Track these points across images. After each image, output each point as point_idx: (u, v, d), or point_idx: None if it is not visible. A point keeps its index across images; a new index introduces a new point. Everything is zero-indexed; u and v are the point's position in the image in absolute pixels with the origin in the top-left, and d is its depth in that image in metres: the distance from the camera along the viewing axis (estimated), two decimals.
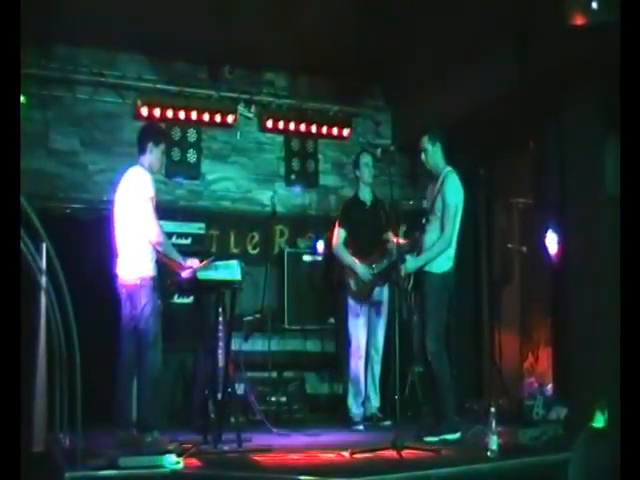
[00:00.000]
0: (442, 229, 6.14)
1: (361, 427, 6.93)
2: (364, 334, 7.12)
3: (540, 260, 7.43)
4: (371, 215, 7.25)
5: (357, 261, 7.14)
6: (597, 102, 6.44)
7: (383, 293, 7.21)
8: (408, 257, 6.19)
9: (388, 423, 6.73)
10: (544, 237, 7.21)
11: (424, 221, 6.33)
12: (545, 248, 7.21)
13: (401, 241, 6.63)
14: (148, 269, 5.78)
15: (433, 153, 6.31)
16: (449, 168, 6.30)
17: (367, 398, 7.12)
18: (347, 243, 7.28)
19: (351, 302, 7.17)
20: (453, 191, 6.19)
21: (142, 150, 5.96)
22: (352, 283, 7.14)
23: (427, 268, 6.15)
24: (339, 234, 7.31)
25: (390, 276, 6.90)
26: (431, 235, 6.20)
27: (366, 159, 7.32)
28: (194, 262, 5.82)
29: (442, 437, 5.92)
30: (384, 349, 7.16)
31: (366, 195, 7.39)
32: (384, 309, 7.19)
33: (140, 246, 5.78)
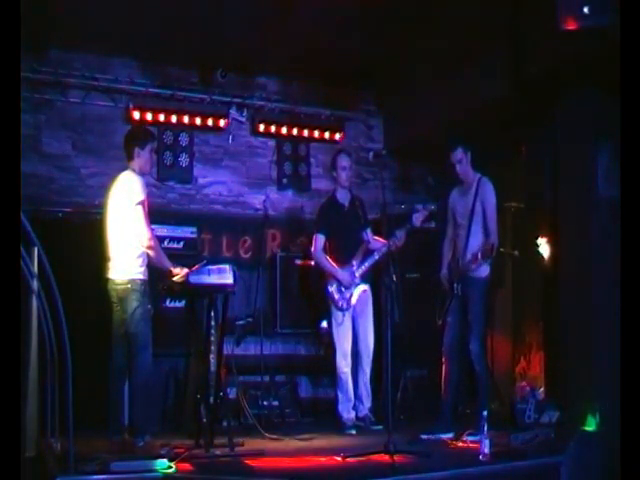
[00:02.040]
0: (487, 233, 6.31)
1: (353, 432, 6.91)
2: (349, 340, 7.07)
3: (532, 264, 7.44)
4: (350, 217, 7.20)
5: (338, 267, 7.10)
6: (589, 105, 6.46)
7: (368, 296, 7.18)
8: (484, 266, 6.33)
9: (379, 427, 6.70)
10: (536, 241, 7.23)
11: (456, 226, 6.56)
12: (537, 252, 7.24)
13: (380, 240, 6.72)
14: (139, 273, 5.79)
15: (466, 162, 6.45)
16: (479, 175, 6.44)
17: (359, 399, 7.09)
18: (326, 248, 7.20)
19: (334, 310, 7.10)
20: (491, 196, 6.42)
21: (129, 155, 5.99)
22: (334, 290, 7.09)
23: (472, 274, 6.29)
24: (317, 240, 7.20)
25: (383, 278, 6.91)
26: (473, 239, 6.36)
27: (344, 162, 7.19)
28: (182, 269, 5.82)
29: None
30: (375, 352, 7.14)
31: (343, 196, 7.30)
32: (370, 310, 7.15)
33: (131, 250, 5.78)
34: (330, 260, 7.13)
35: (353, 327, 7.10)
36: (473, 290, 6.32)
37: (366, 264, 7.07)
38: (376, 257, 7.04)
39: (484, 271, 6.37)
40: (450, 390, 6.39)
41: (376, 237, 7.20)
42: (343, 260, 7.11)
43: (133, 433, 5.66)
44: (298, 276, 8.27)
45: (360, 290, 7.08)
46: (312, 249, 7.28)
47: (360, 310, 7.11)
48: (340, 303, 7.05)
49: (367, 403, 7.11)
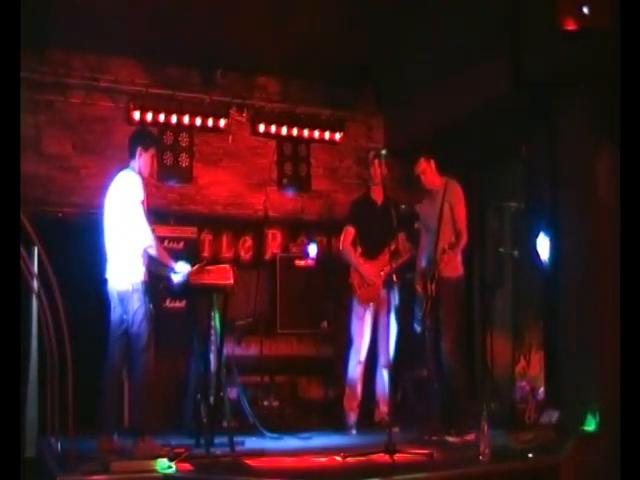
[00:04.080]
0: (457, 234, 6.33)
1: (353, 431, 6.92)
2: (366, 338, 7.02)
3: (532, 264, 7.44)
4: (381, 215, 7.06)
5: (363, 262, 7.10)
6: (590, 107, 6.45)
7: (394, 296, 7.06)
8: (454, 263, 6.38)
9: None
10: (536, 241, 7.23)
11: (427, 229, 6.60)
12: (537, 252, 7.23)
13: (410, 245, 6.74)
14: (139, 273, 5.74)
15: (430, 171, 6.49)
16: (446, 178, 6.47)
17: (376, 404, 7.05)
18: (355, 243, 7.19)
19: (355, 304, 7.10)
20: (458, 196, 6.48)
21: (132, 154, 5.95)
22: (357, 284, 7.08)
23: (443, 274, 6.31)
24: (347, 233, 7.21)
25: (401, 279, 6.91)
26: (443, 241, 6.38)
27: (376, 160, 7.16)
28: (185, 266, 5.81)
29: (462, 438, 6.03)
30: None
31: (377, 194, 7.27)
32: (393, 313, 6.96)
33: (131, 250, 5.74)
34: (356, 254, 7.15)
35: (374, 326, 7.07)
36: (445, 289, 6.33)
37: (393, 264, 7.00)
38: (404, 258, 7.01)
39: (456, 270, 6.38)
40: (458, 392, 6.36)
41: (405, 241, 7.15)
42: (370, 256, 7.10)
43: (133, 433, 5.65)
44: (299, 276, 8.27)
45: (384, 289, 7.03)
46: (340, 242, 7.28)
47: (383, 309, 7.01)
48: (361, 297, 7.04)
49: (384, 407, 6.93)
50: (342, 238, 7.25)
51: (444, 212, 6.39)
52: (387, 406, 6.89)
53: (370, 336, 7.07)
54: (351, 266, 7.17)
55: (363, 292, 7.06)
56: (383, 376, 7.01)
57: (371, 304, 7.04)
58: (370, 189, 7.35)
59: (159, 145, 6.95)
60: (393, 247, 7.03)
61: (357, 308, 7.09)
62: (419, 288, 6.51)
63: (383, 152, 7.04)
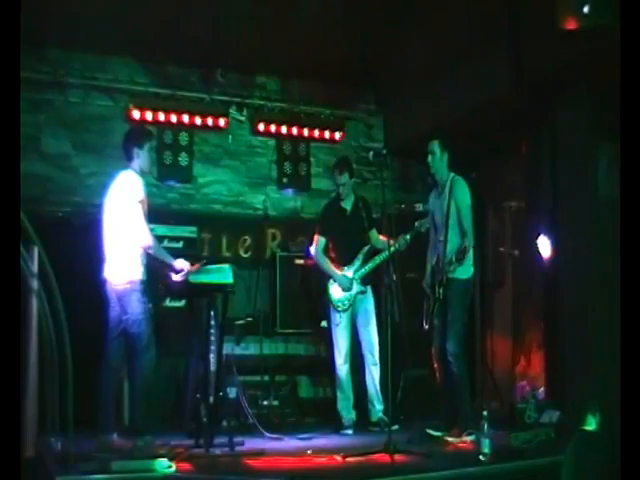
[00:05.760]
0: (462, 233, 6.28)
1: (349, 432, 6.91)
2: (346, 341, 7.03)
3: (532, 263, 7.45)
4: (352, 220, 7.13)
5: (336, 270, 7.08)
6: (590, 105, 6.46)
7: (368, 298, 7.12)
8: (458, 268, 6.28)
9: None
10: (536, 240, 7.23)
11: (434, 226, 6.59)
12: (537, 251, 7.23)
13: (384, 239, 6.69)
14: (138, 273, 5.75)
15: (440, 159, 6.45)
16: (453, 174, 6.41)
17: (371, 403, 7.05)
18: (327, 250, 7.18)
19: (332, 310, 7.09)
20: (464, 194, 6.37)
21: (129, 156, 5.95)
22: (332, 291, 7.08)
23: (452, 274, 6.26)
24: (318, 241, 7.18)
25: (378, 280, 6.90)
26: (452, 242, 6.32)
27: (343, 179, 7.13)
28: (185, 263, 5.80)
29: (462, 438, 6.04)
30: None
31: (346, 200, 7.22)
32: (372, 313, 7.08)
33: (129, 250, 5.75)
34: (329, 262, 7.13)
35: (356, 329, 7.08)
36: (453, 291, 6.29)
37: (367, 267, 7.05)
38: (377, 261, 7.01)
39: (466, 272, 6.36)
40: (463, 391, 6.34)
41: (382, 237, 7.14)
42: (343, 262, 7.10)
43: (133, 432, 5.65)
44: (298, 275, 8.26)
45: (360, 292, 7.05)
46: (312, 249, 7.26)
47: (361, 312, 7.06)
48: (337, 304, 7.04)
49: (379, 406, 6.99)
50: (313, 247, 7.22)
51: (451, 211, 6.35)
52: (381, 404, 6.99)
53: (351, 338, 7.08)
54: (325, 274, 7.15)
55: (338, 298, 7.05)
56: (374, 376, 7.01)
57: (348, 309, 7.05)
58: (339, 195, 7.26)
59: (155, 139, 6.90)
60: (366, 249, 7.06)
61: (334, 314, 7.09)
62: (426, 288, 6.50)
63: (383, 152, 7.03)
